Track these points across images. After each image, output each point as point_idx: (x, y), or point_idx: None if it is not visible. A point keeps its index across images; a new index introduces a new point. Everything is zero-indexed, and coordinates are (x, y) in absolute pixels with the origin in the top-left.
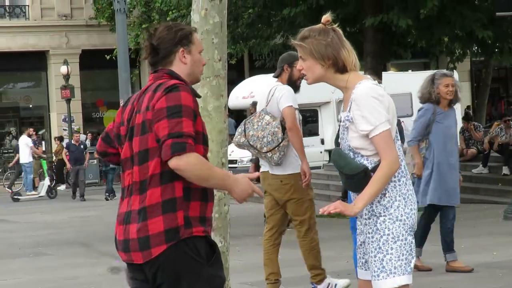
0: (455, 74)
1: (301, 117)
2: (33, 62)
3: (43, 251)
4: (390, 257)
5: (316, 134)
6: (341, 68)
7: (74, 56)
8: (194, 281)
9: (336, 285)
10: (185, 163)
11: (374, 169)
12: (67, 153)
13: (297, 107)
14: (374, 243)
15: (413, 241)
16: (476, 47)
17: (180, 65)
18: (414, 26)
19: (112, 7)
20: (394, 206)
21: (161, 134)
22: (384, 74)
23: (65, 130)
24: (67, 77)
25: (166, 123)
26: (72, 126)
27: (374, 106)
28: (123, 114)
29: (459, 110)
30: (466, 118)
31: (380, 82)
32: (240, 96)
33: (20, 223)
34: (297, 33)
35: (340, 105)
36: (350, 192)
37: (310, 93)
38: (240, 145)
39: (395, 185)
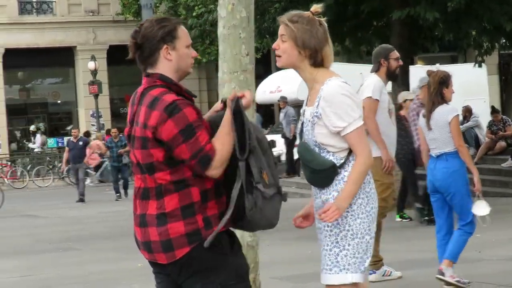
0: (484, 67)
1: (392, 107)
2: (60, 58)
3: (72, 246)
4: (346, 253)
5: None
6: (318, 62)
7: (101, 51)
8: (219, 273)
9: (391, 272)
10: (217, 171)
11: (341, 166)
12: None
13: (378, 98)
14: (332, 237)
15: (371, 241)
16: (504, 40)
17: (165, 63)
18: (441, 20)
19: (138, 3)
20: (357, 203)
21: (184, 157)
22: (411, 67)
23: (93, 125)
24: (94, 72)
25: (185, 148)
26: (101, 122)
27: (347, 103)
28: (129, 113)
29: (487, 103)
30: (493, 111)
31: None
32: (267, 90)
33: (49, 218)
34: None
35: None
36: (313, 187)
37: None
38: None
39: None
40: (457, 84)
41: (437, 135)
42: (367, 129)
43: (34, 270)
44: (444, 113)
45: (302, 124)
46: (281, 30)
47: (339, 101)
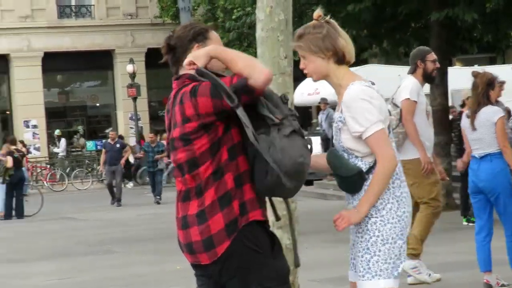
0: None
1: (430, 108)
2: (99, 61)
3: (111, 248)
4: (377, 259)
5: None
6: (341, 58)
7: (139, 54)
8: (260, 274)
9: (420, 273)
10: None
11: (369, 170)
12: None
13: (416, 99)
14: (363, 243)
15: (403, 245)
16: None
17: None
18: (480, 21)
19: (176, 6)
20: (387, 208)
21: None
22: (449, 69)
23: (131, 128)
24: (133, 75)
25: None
26: (139, 125)
27: (364, 108)
28: (166, 121)
29: None
30: None
31: (373, 83)
32: (305, 93)
33: (88, 221)
34: (361, 30)
35: None
36: (345, 193)
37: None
38: None
39: (389, 187)
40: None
41: (481, 136)
42: (405, 131)
43: (73, 273)
44: (490, 114)
45: (333, 130)
46: (298, 52)
47: (356, 105)
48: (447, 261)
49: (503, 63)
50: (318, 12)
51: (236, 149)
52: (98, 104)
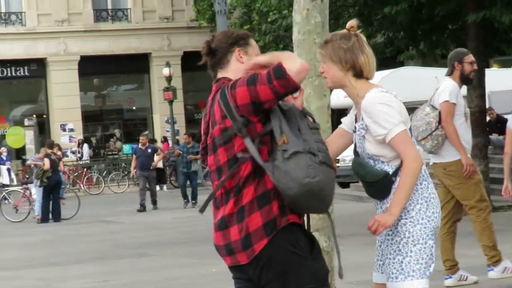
0: None
1: (468, 110)
2: (135, 65)
3: (147, 251)
4: (409, 260)
5: None
6: (359, 73)
7: (176, 58)
8: (299, 277)
9: (467, 277)
10: (296, 68)
11: (395, 173)
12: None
13: (455, 101)
14: (394, 245)
15: (434, 245)
16: None
17: (237, 64)
18: None
19: (212, 9)
20: (416, 209)
21: (267, 88)
22: (487, 71)
23: (167, 131)
24: (169, 79)
25: (262, 86)
26: (176, 128)
27: (384, 111)
28: (202, 126)
29: None
30: None
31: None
32: (341, 95)
33: (124, 224)
34: (398, 32)
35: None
36: (374, 199)
37: (412, 91)
38: None
39: (417, 188)
40: None
41: None
42: (444, 133)
43: (110, 276)
44: None
45: (355, 139)
46: (320, 55)
47: (376, 110)
48: (484, 264)
49: None
50: (351, 22)
51: (263, 141)
52: (134, 108)
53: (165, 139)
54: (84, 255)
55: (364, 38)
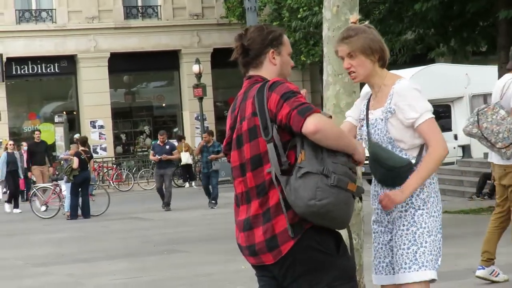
0: None
1: None
2: (165, 62)
3: (177, 248)
4: (424, 250)
5: (449, 129)
6: (385, 62)
7: (205, 55)
8: (327, 274)
9: (499, 274)
10: (320, 121)
11: (416, 164)
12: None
13: None
14: (409, 235)
15: (441, 239)
16: None
17: (269, 66)
18: None
19: (242, 6)
20: (431, 201)
21: (284, 114)
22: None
23: (197, 128)
24: (199, 75)
25: (286, 106)
26: (205, 125)
27: (418, 96)
28: (228, 121)
29: None
30: None
31: None
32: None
33: (154, 221)
34: (429, 28)
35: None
36: (379, 187)
37: (443, 88)
38: (471, 135)
39: (430, 182)
40: None
41: None
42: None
43: (140, 272)
44: None
45: (368, 127)
46: (344, 50)
47: (412, 94)
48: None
49: None
50: (354, 16)
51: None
52: (164, 104)
53: (179, 139)
54: (114, 252)
55: (373, 27)
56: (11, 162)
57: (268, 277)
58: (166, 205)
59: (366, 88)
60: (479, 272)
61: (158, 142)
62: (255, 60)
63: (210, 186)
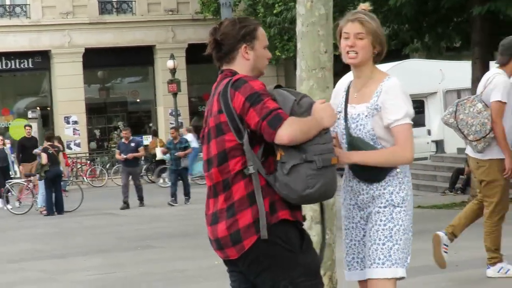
0: None
1: None
2: (140, 57)
3: (151, 244)
4: (398, 248)
5: (423, 124)
6: (379, 58)
7: (180, 50)
8: (290, 271)
9: (508, 270)
10: (290, 130)
11: None
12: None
13: (506, 101)
14: (386, 231)
15: (412, 238)
16: None
17: (242, 61)
18: None
19: (217, 1)
20: (408, 200)
21: (253, 123)
22: (492, 63)
23: (172, 124)
24: (173, 71)
25: (253, 112)
26: (180, 120)
27: (405, 99)
28: (205, 114)
29: None
30: None
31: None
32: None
33: (128, 216)
34: (403, 24)
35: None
36: (359, 183)
37: (417, 83)
38: (447, 124)
39: (408, 180)
40: None
41: None
42: (494, 133)
43: (117, 268)
44: None
45: (346, 120)
46: (357, 28)
47: (400, 96)
48: None
49: None
50: (365, 5)
51: (269, 149)
52: (138, 100)
53: (154, 134)
54: (88, 248)
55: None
56: (1, 158)
57: (237, 272)
58: (140, 200)
59: (343, 81)
60: (487, 271)
61: (123, 140)
62: (228, 55)
63: (183, 184)
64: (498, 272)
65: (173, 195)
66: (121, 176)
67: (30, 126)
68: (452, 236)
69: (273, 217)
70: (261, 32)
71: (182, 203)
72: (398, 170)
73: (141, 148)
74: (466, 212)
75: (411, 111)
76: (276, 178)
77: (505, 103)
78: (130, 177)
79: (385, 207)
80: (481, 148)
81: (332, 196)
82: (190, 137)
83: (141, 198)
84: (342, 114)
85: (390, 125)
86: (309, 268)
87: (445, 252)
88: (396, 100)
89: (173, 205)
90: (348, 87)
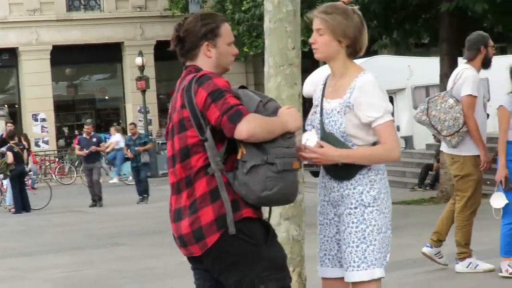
0: None
1: (486, 101)
2: (108, 54)
3: (119, 241)
4: (373, 248)
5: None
6: (354, 52)
7: (148, 47)
8: (255, 266)
9: (477, 266)
10: (252, 125)
11: None
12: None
13: (477, 94)
14: (359, 233)
15: (391, 235)
16: None
17: (204, 59)
18: (490, 11)
19: None
20: (381, 198)
21: (214, 118)
22: (460, 59)
23: (140, 121)
24: (142, 68)
25: (214, 108)
26: (148, 117)
27: (381, 96)
28: (170, 110)
29: None
30: None
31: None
32: (314, 81)
33: (96, 214)
34: (371, 20)
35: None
36: (331, 180)
37: (385, 80)
38: (420, 122)
39: (381, 178)
40: (507, 76)
41: None
42: (467, 127)
43: (83, 266)
44: None
45: (321, 115)
46: (317, 24)
47: (375, 92)
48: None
49: None
50: None
51: (231, 147)
52: (107, 97)
53: (123, 132)
54: (57, 245)
55: (361, 14)
56: None
57: (201, 269)
58: (98, 200)
59: (321, 72)
60: (457, 267)
61: (84, 135)
62: (190, 52)
63: (140, 181)
64: (467, 267)
65: (141, 193)
66: (84, 174)
67: (12, 123)
68: (439, 242)
69: (236, 215)
70: (225, 28)
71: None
72: (369, 167)
73: (102, 144)
74: (445, 214)
75: (389, 106)
76: (235, 176)
77: (475, 96)
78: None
79: (355, 208)
80: (455, 143)
81: (292, 201)
82: (117, 137)
83: (99, 198)
84: (319, 108)
85: (371, 124)
86: (274, 262)
87: (441, 257)
88: (372, 98)
89: (145, 203)
90: (326, 80)
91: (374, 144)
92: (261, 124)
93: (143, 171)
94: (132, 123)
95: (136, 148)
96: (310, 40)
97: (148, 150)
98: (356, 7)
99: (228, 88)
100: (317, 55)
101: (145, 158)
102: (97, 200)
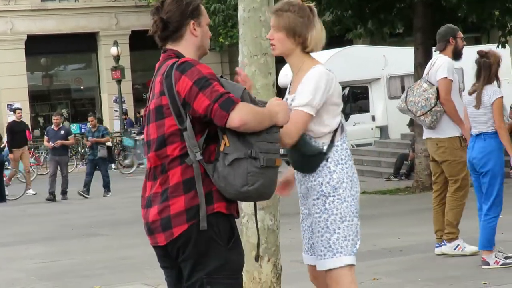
0: (507, 48)
1: (461, 86)
2: (83, 44)
3: (96, 231)
4: (337, 237)
5: (367, 110)
6: (309, 48)
7: (123, 37)
8: (211, 263)
9: (464, 248)
10: (244, 113)
11: (327, 152)
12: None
13: (453, 78)
14: (322, 222)
15: (359, 223)
16: None
17: (191, 38)
18: (464, 0)
19: None
20: (342, 187)
21: (203, 107)
22: (434, 49)
23: (116, 111)
24: (117, 58)
25: (202, 96)
26: (124, 107)
27: (315, 89)
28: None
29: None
30: None
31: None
32: (289, 74)
33: (72, 204)
34: (346, 10)
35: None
36: (298, 173)
37: (360, 69)
38: (401, 110)
39: (342, 167)
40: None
41: (477, 115)
42: (443, 109)
43: (60, 256)
44: (490, 94)
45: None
46: (273, 20)
47: (311, 83)
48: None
49: (488, 43)
50: None
51: (210, 138)
52: (82, 87)
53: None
54: (32, 236)
55: (315, 11)
56: None
57: (169, 268)
58: (63, 193)
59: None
60: (438, 250)
61: (53, 126)
62: (175, 34)
63: (101, 175)
64: (455, 249)
65: (86, 185)
66: (48, 165)
67: (21, 109)
68: (452, 234)
69: (208, 208)
70: (203, 8)
71: (100, 196)
72: (325, 162)
73: (71, 137)
74: (436, 211)
75: (317, 102)
76: (215, 168)
77: (451, 80)
78: (59, 166)
79: (317, 198)
80: (429, 122)
81: (268, 198)
82: None
83: (64, 192)
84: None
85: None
86: (229, 266)
87: (464, 248)
88: (306, 87)
89: (84, 196)
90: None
91: (332, 133)
92: (252, 113)
93: (103, 165)
94: (92, 115)
95: (90, 138)
96: (268, 36)
97: (105, 144)
98: (312, 4)
99: (213, 75)
100: (274, 52)
101: (102, 152)
102: (61, 194)
